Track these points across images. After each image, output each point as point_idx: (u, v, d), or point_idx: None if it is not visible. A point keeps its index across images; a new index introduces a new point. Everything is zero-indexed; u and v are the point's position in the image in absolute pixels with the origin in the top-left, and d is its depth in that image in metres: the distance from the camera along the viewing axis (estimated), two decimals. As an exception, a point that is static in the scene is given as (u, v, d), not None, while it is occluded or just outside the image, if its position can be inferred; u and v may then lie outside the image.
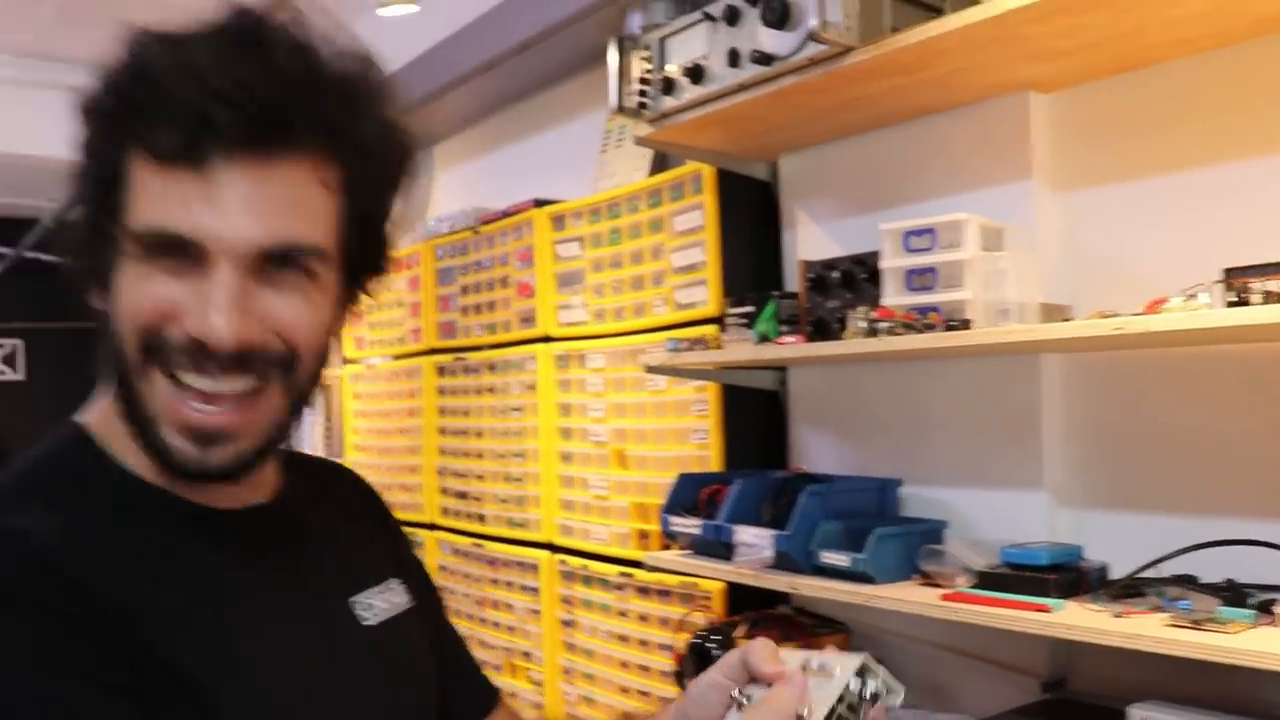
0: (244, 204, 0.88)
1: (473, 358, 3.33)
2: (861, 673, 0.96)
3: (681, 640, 2.15)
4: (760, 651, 1.00)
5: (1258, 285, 1.39)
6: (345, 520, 1.16)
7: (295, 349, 0.93)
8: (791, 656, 0.99)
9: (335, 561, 1.09)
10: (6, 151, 5.02)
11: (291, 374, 0.94)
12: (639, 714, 1.19)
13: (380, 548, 1.19)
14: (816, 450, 2.34)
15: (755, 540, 1.96)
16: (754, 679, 1.00)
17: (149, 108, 0.87)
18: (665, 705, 1.15)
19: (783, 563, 1.94)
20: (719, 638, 1.45)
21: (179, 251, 0.88)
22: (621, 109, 2.25)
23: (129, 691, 0.84)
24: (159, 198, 0.88)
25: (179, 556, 0.94)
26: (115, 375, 0.93)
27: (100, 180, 0.91)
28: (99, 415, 1.00)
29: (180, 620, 0.90)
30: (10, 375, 7.99)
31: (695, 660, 1.39)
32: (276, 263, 0.91)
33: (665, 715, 1.12)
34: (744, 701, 0.98)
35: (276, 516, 1.05)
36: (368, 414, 3.98)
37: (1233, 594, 1.52)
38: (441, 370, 3.51)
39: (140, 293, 0.89)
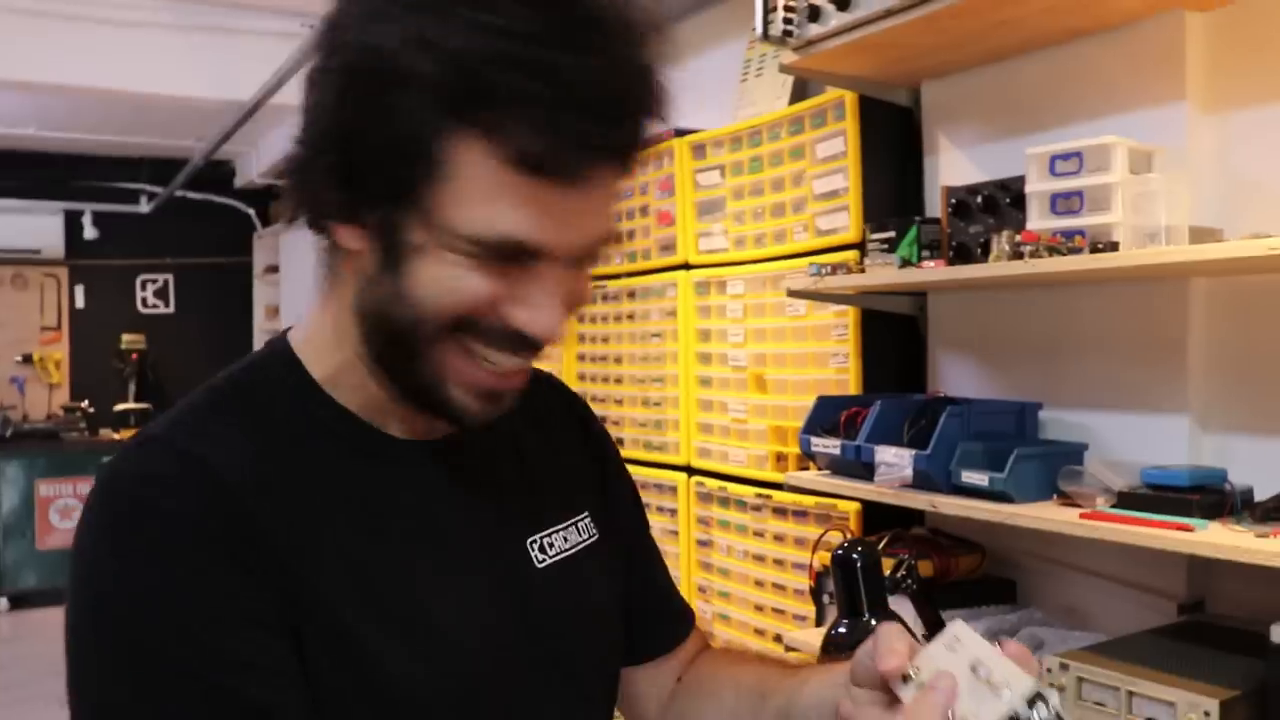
0: (593, 211, 0.87)
1: (613, 285, 3.41)
2: (1033, 701, 0.80)
3: (819, 558, 2.21)
4: (888, 639, 0.87)
5: None
6: (543, 443, 1.13)
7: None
8: (963, 649, 0.84)
9: (517, 499, 1.07)
10: (157, 93, 5.15)
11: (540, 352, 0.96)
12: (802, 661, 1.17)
13: (578, 476, 1.17)
14: (955, 375, 2.36)
15: (895, 460, 2.00)
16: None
17: (516, 107, 0.80)
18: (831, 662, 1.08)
19: (922, 482, 1.98)
20: (862, 548, 1.49)
21: (515, 256, 0.86)
22: (766, 36, 2.27)
23: (283, 632, 0.86)
24: (514, 208, 0.83)
25: (357, 487, 0.95)
26: (384, 332, 0.91)
27: (401, 155, 0.83)
28: (306, 337, 1.01)
29: (345, 553, 0.91)
30: (162, 309, 8.36)
31: (841, 575, 1.44)
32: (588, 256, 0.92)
33: (839, 673, 1.01)
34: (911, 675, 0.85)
35: (459, 450, 1.03)
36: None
37: (1382, 516, 1.52)
38: (582, 298, 3.59)
39: (460, 285, 0.86)
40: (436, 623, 0.94)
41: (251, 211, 8.38)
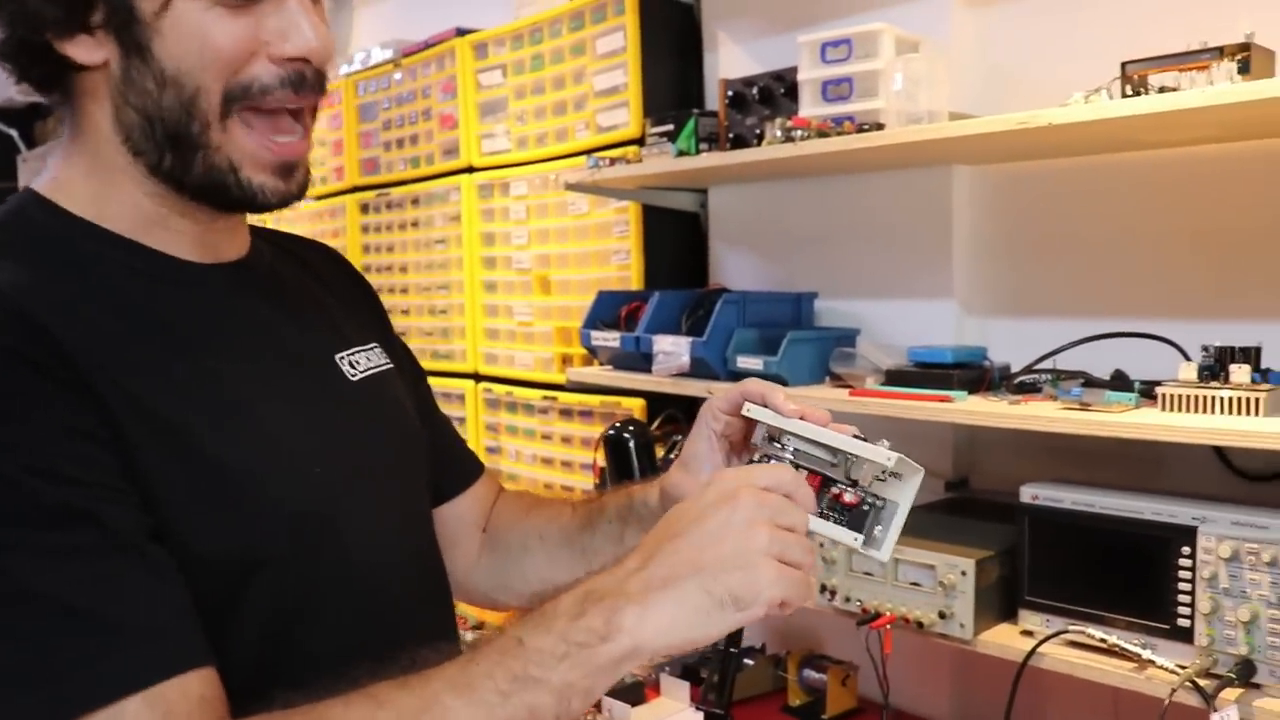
0: None
1: (396, 193, 3.31)
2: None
3: (601, 455, 2.21)
4: (758, 383, 1.04)
5: (1155, 79, 1.44)
6: (322, 287, 1.16)
7: (325, 69, 0.97)
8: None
9: (316, 317, 1.10)
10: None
11: (320, 94, 0.98)
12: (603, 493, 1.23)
13: (361, 317, 1.20)
14: (736, 269, 2.39)
15: (673, 348, 2.01)
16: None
17: None
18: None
19: (699, 370, 1.99)
20: (633, 428, 1.50)
21: None
22: (542, -75, 2.22)
23: (103, 438, 0.83)
24: None
25: (156, 306, 0.94)
26: (160, 134, 0.91)
27: None
28: (54, 183, 0.97)
29: (159, 367, 0.90)
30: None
31: (612, 455, 1.44)
32: None
33: (653, 489, 1.15)
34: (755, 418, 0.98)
35: (252, 273, 1.05)
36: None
37: (1120, 382, 1.60)
38: (365, 208, 3.48)
39: (214, 33, 0.89)
40: (269, 428, 0.94)
41: (14, 132, 7.79)
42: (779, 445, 1.02)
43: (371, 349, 1.14)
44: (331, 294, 1.17)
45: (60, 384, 0.82)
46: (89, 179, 0.95)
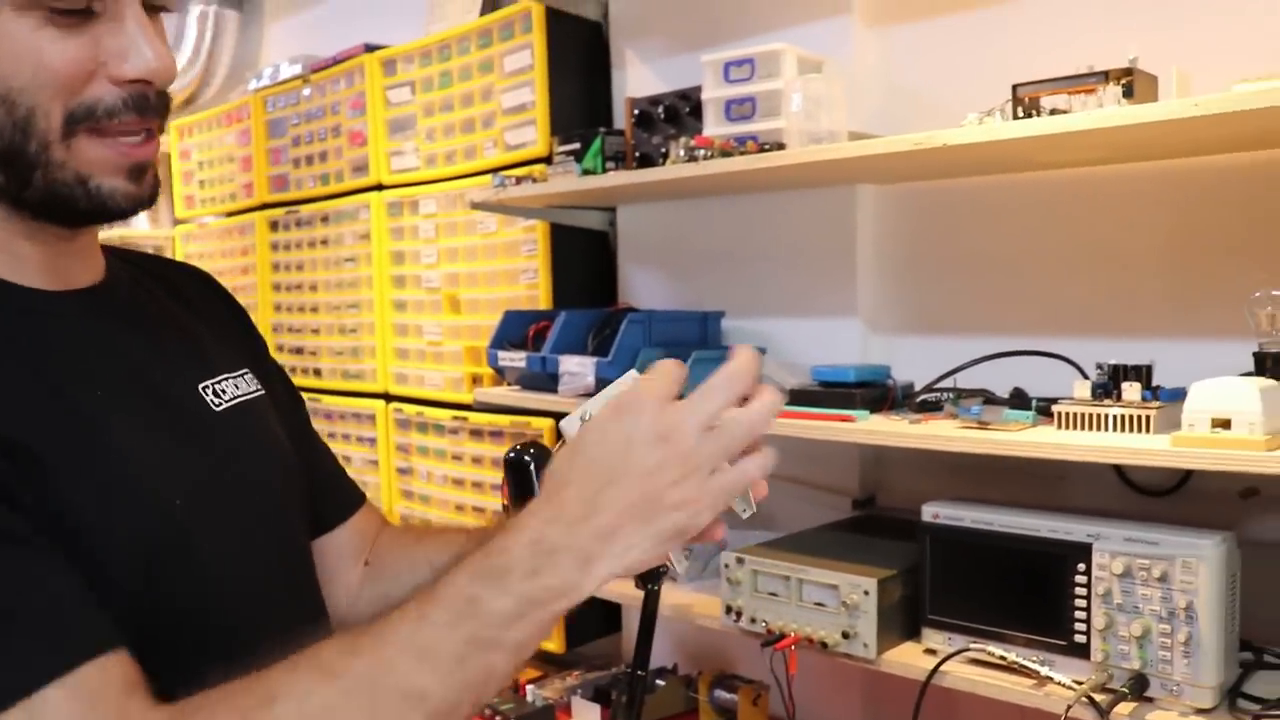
0: None
1: (305, 210, 3.26)
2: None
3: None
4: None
5: (1046, 101, 1.45)
6: (189, 312, 1.12)
7: (168, 88, 0.96)
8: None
9: (177, 344, 1.06)
10: None
11: (165, 114, 0.96)
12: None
13: (231, 342, 1.16)
14: (644, 288, 2.38)
15: (578, 369, 1.99)
16: None
17: None
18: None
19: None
20: (534, 451, 1.47)
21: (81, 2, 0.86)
22: (447, -59, 2.20)
23: None
24: None
25: (7, 336, 0.90)
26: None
27: None
28: None
29: (10, 396, 0.86)
30: None
31: (513, 477, 1.41)
32: (151, 7, 0.92)
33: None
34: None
35: (108, 299, 1.01)
36: (200, 274, 3.87)
37: (1019, 401, 1.62)
38: (274, 225, 3.42)
39: (47, 52, 0.86)
40: (128, 469, 0.90)
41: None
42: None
43: (241, 375, 1.10)
44: (199, 318, 1.13)
45: None
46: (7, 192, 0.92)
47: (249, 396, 1.09)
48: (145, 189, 0.95)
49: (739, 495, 0.90)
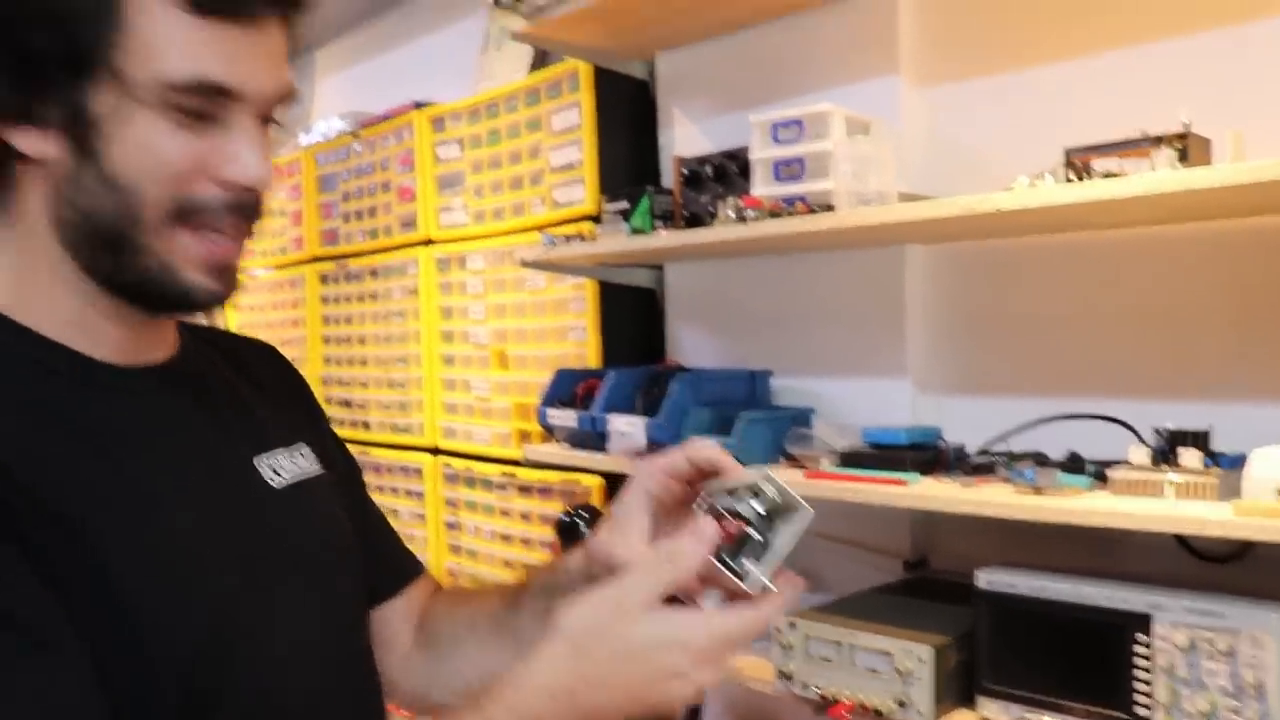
0: (271, 55, 0.92)
1: (355, 264, 3.30)
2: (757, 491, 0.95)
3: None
4: (705, 447, 1.04)
5: (1098, 164, 1.45)
6: (251, 386, 1.14)
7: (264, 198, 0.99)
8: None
9: (238, 421, 1.07)
10: None
11: (257, 220, 0.99)
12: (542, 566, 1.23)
13: (292, 416, 1.18)
14: (692, 346, 2.38)
15: (628, 428, 1.99)
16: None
17: None
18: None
19: (655, 450, 1.97)
20: (586, 514, 1.49)
21: (210, 103, 0.89)
22: (499, 3, 2.23)
23: (16, 541, 0.81)
24: (196, 47, 0.87)
25: (70, 408, 0.92)
26: (97, 233, 0.90)
27: (77, 21, 0.85)
28: None
29: (69, 470, 0.87)
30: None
31: (564, 538, 1.42)
32: (265, 119, 0.96)
33: (578, 553, 1.14)
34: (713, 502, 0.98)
35: (175, 376, 1.03)
36: (252, 326, 3.92)
37: (1074, 465, 1.60)
38: (324, 278, 3.47)
39: (164, 148, 0.88)
40: (182, 547, 0.92)
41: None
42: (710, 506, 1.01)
43: (302, 453, 1.11)
44: (264, 395, 1.14)
45: None
46: (12, 271, 0.94)
47: (308, 475, 1.10)
48: (225, 287, 0.97)
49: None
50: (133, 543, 0.88)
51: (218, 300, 0.97)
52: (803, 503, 0.95)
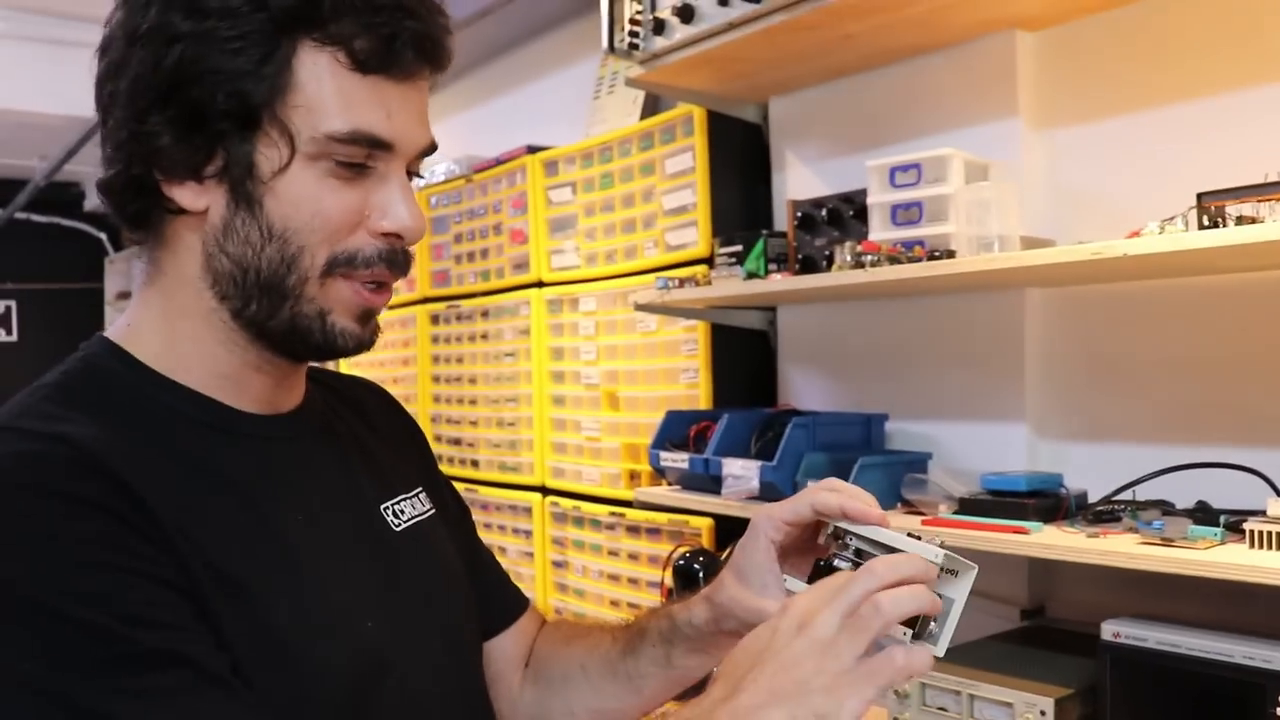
0: (420, 110, 0.98)
1: (466, 305, 3.36)
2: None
3: (670, 575, 2.19)
4: (832, 495, 1.03)
5: (1232, 209, 1.42)
6: (370, 430, 1.18)
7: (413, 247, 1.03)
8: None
9: (364, 466, 1.11)
10: (-2, 108, 4.89)
11: (406, 270, 1.03)
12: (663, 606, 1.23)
13: (408, 460, 1.22)
14: (804, 388, 2.37)
15: (742, 472, 1.99)
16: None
17: (345, 13, 0.91)
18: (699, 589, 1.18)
19: (769, 494, 1.97)
20: (703, 559, 1.49)
21: (367, 155, 0.94)
22: (613, 50, 2.27)
23: (182, 589, 0.85)
24: (358, 102, 0.92)
25: (220, 460, 0.96)
26: (252, 282, 0.94)
27: (247, 78, 0.89)
28: (128, 329, 1.00)
29: (223, 522, 0.91)
30: (3, 337, 7.97)
31: (680, 584, 1.42)
32: (409, 172, 1.00)
33: (697, 606, 1.14)
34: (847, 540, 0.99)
35: (307, 423, 1.07)
36: (362, 364, 4.00)
37: (1204, 515, 1.56)
38: (435, 319, 3.53)
39: (324, 199, 0.93)
40: (325, 589, 0.96)
41: (103, 235, 8.04)
42: (842, 543, 1.02)
43: (416, 495, 1.15)
44: (380, 438, 1.18)
45: (143, 535, 0.84)
46: (163, 325, 0.98)
47: (423, 516, 1.14)
48: (368, 334, 1.01)
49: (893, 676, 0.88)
50: (280, 592, 0.92)
51: (363, 348, 1.01)
52: (968, 562, 0.95)
